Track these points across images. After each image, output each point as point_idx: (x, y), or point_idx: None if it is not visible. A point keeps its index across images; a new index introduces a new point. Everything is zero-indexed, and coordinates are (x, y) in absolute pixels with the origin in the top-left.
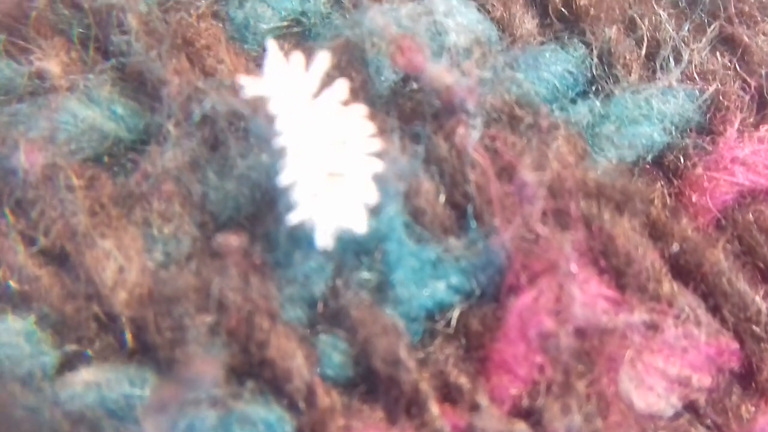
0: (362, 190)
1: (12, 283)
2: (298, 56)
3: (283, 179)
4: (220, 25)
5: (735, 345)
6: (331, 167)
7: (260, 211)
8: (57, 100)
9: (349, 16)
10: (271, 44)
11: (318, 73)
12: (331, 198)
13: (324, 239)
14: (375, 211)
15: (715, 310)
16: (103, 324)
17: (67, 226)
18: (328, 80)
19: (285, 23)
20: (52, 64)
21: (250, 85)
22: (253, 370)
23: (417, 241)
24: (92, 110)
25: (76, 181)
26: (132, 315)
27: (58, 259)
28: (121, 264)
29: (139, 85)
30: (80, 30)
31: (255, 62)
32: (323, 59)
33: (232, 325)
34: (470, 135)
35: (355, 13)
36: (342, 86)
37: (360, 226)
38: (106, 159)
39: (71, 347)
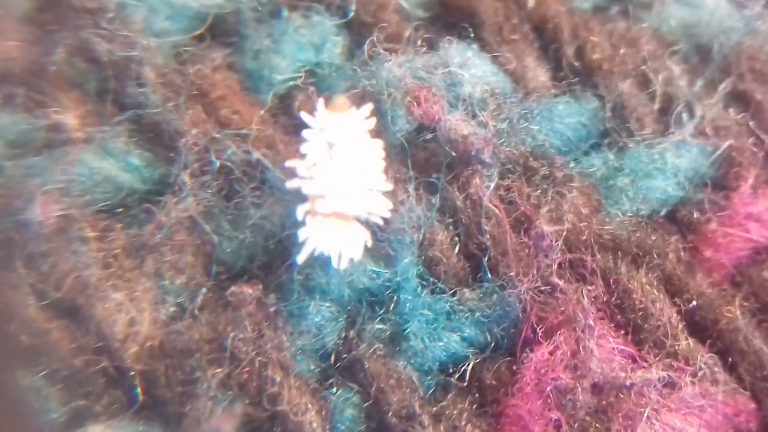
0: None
1: (23, 338)
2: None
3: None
4: (236, 76)
5: (752, 405)
6: (343, 205)
7: (273, 260)
8: (73, 152)
9: (364, 67)
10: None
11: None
12: (339, 233)
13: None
14: (390, 262)
15: (732, 368)
16: (112, 378)
17: (79, 278)
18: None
19: (299, 74)
20: (69, 117)
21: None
22: (265, 424)
23: (431, 292)
24: (107, 162)
25: (89, 232)
26: (142, 369)
27: (69, 312)
28: (132, 316)
29: (154, 137)
30: (97, 83)
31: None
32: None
33: (244, 378)
34: (485, 186)
35: (372, 64)
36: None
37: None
38: (120, 210)
39: (79, 403)
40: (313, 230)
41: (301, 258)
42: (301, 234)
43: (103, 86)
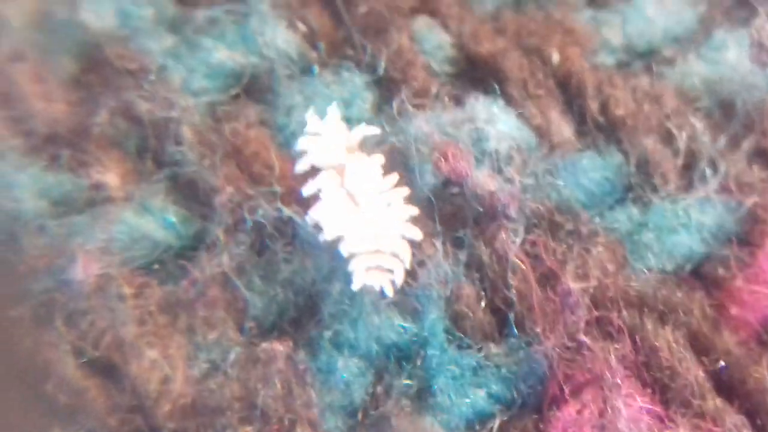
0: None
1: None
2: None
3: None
4: (268, 132)
5: None
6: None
7: (303, 316)
8: (113, 210)
9: (393, 122)
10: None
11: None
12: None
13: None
14: (417, 317)
15: (761, 429)
16: None
17: (116, 336)
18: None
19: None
20: (110, 176)
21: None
22: None
23: (458, 347)
24: (146, 219)
25: (126, 289)
26: (174, 427)
27: (106, 370)
28: (166, 373)
29: (190, 194)
30: (137, 142)
31: None
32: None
33: None
34: (511, 241)
35: (400, 120)
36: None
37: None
38: (156, 266)
39: None
40: (357, 267)
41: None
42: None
43: (143, 145)
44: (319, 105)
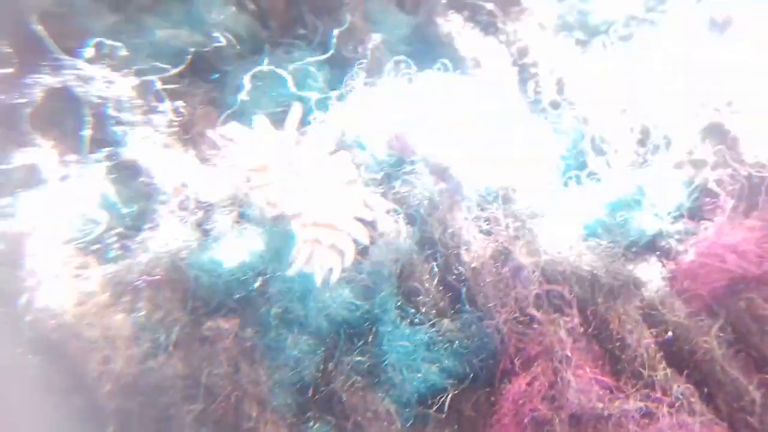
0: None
1: None
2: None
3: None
4: (216, 111)
5: None
6: (323, 218)
7: (251, 294)
8: (50, 190)
9: (345, 101)
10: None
11: (293, 122)
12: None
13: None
14: (368, 294)
15: (709, 398)
16: (86, 416)
17: (54, 316)
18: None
19: (280, 108)
20: (46, 156)
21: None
22: None
23: (410, 323)
24: (84, 199)
25: (65, 270)
26: (116, 406)
27: (44, 350)
28: (106, 354)
29: (133, 173)
30: (75, 122)
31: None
32: (296, 109)
33: (220, 413)
34: (464, 217)
35: (352, 99)
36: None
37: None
38: (96, 246)
39: None
40: (303, 238)
41: (293, 270)
42: (295, 246)
43: (82, 125)
44: (270, 85)
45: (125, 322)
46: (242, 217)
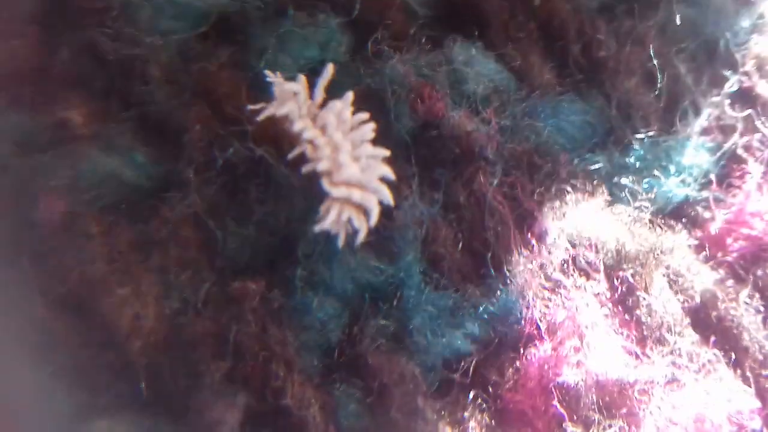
0: (379, 192)
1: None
2: (300, 78)
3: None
4: (241, 73)
5: (757, 403)
6: (351, 176)
7: (278, 256)
8: (78, 149)
9: (369, 64)
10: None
11: (322, 84)
12: (353, 202)
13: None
14: (393, 258)
15: (736, 365)
16: (117, 372)
17: (84, 274)
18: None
19: (304, 73)
20: (75, 114)
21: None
22: (269, 419)
23: (435, 288)
24: (112, 159)
25: (94, 228)
26: (147, 362)
27: (75, 307)
28: (137, 311)
29: (159, 134)
30: (103, 81)
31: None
32: (328, 71)
33: (248, 372)
34: (489, 182)
35: (376, 62)
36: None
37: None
38: (124, 206)
39: (85, 397)
40: (336, 195)
41: (320, 226)
42: (325, 203)
43: (109, 84)
44: (293, 48)
45: (154, 280)
46: (269, 178)
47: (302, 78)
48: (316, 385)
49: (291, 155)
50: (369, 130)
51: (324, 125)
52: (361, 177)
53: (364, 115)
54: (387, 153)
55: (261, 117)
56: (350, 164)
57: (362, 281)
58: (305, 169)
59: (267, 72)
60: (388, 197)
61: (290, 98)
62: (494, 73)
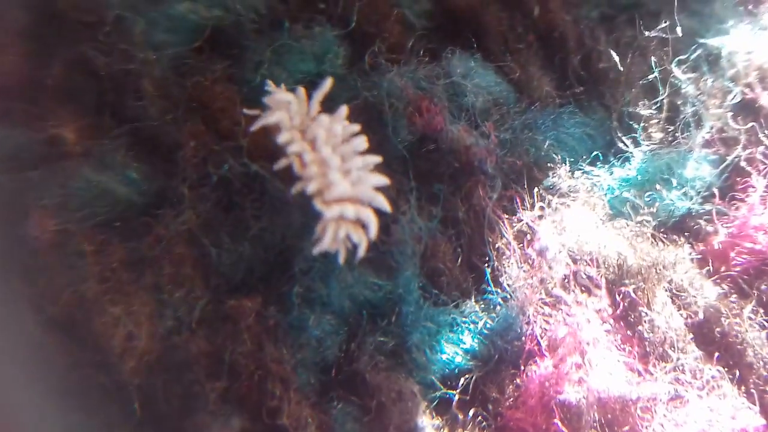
0: (374, 201)
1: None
2: (299, 90)
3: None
4: (236, 87)
5: (761, 420)
6: (344, 192)
7: (273, 273)
8: (70, 166)
9: (366, 77)
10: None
11: (318, 97)
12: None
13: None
14: (391, 273)
15: (740, 382)
16: (110, 393)
17: (76, 292)
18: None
19: (303, 86)
20: (67, 130)
21: (256, 118)
22: None
23: (434, 303)
24: (105, 175)
25: (86, 246)
26: (140, 383)
27: (67, 327)
28: (130, 330)
29: (153, 149)
30: (95, 96)
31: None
32: (326, 84)
33: (244, 392)
34: (488, 196)
35: (373, 75)
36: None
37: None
38: (117, 223)
39: (77, 418)
40: (330, 216)
41: (319, 248)
42: (320, 224)
43: (102, 100)
44: (289, 61)
45: (148, 299)
46: (263, 194)
47: (301, 90)
48: (313, 403)
49: (276, 166)
50: (361, 141)
51: (313, 139)
52: (352, 192)
53: (356, 127)
54: (378, 160)
55: (254, 127)
56: (340, 181)
57: (360, 297)
58: (294, 189)
59: (268, 81)
60: (384, 204)
61: (282, 108)
62: (493, 86)
